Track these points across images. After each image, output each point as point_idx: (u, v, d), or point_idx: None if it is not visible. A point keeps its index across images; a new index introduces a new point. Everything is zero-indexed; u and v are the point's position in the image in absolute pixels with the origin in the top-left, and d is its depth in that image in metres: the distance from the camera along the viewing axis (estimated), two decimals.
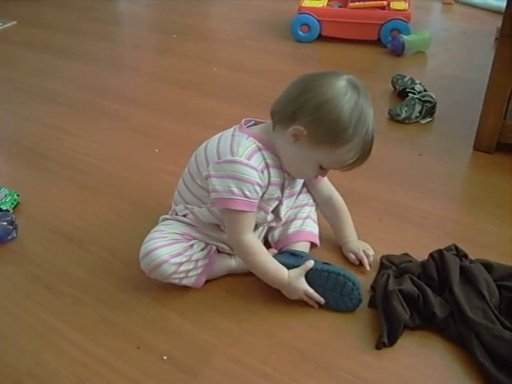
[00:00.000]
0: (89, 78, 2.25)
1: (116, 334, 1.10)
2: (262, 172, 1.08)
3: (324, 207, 1.31)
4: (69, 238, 1.36)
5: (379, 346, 1.05)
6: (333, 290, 1.12)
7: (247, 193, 1.05)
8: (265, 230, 1.26)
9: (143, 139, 1.79)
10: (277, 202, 1.17)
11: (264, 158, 1.09)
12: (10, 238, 1.34)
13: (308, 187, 1.30)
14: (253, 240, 1.11)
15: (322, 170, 1.11)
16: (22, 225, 1.38)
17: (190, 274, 1.14)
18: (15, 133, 1.86)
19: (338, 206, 1.29)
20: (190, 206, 1.17)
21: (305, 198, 1.29)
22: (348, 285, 1.11)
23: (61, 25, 2.87)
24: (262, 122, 1.16)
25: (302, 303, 1.14)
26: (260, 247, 1.13)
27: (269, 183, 1.11)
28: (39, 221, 1.42)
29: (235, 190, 1.05)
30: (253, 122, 1.16)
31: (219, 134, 1.15)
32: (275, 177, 1.11)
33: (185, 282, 1.15)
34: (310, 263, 1.14)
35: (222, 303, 1.16)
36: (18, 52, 2.55)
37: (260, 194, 1.09)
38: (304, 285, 1.12)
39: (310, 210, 1.29)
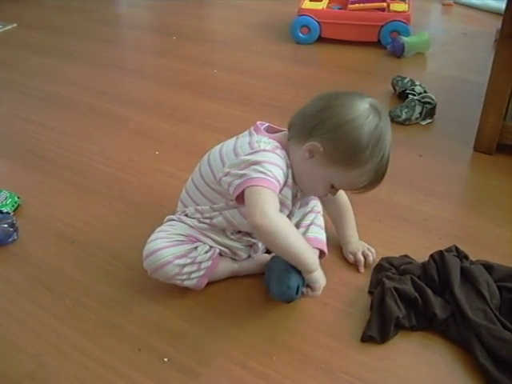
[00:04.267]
0: (89, 80, 2.26)
1: (117, 336, 1.10)
2: (285, 167, 1.06)
3: (328, 206, 1.29)
4: (69, 240, 1.36)
5: (364, 339, 1.06)
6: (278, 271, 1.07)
7: (274, 172, 1.01)
8: None
9: (144, 141, 1.79)
10: (287, 212, 1.15)
11: (285, 156, 1.08)
12: (10, 240, 1.34)
13: None
14: (278, 215, 1.01)
15: (333, 190, 1.11)
16: (22, 227, 1.38)
17: (193, 275, 1.14)
18: (16, 135, 1.86)
19: (342, 206, 1.28)
20: (199, 208, 1.15)
21: (310, 205, 1.27)
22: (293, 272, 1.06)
23: (61, 27, 2.88)
24: (276, 128, 1.15)
25: (304, 304, 1.14)
26: (285, 222, 1.03)
27: (286, 182, 1.08)
28: (40, 223, 1.42)
29: (260, 169, 1.00)
30: (267, 125, 1.15)
31: (235, 138, 1.14)
32: (291, 180, 1.10)
33: (186, 283, 1.15)
34: None
35: (222, 305, 1.16)
36: (19, 54, 2.55)
37: (281, 184, 1.04)
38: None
39: (314, 217, 1.25)
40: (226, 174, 1.06)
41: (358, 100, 1.04)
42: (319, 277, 1.08)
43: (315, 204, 1.28)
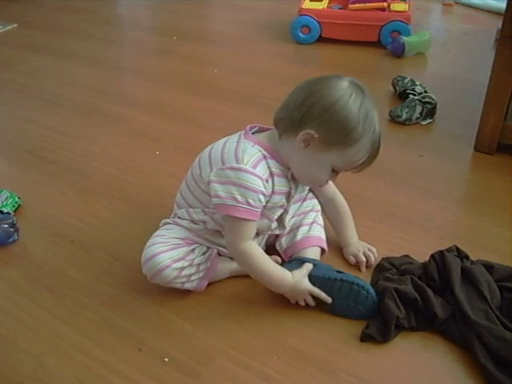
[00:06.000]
0: (90, 80, 2.26)
1: (117, 336, 1.10)
2: (267, 181, 1.07)
3: (326, 208, 1.30)
4: (70, 240, 1.36)
5: (364, 338, 1.06)
6: (347, 299, 1.10)
7: (250, 201, 1.05)
8: (265, 238, 1.25)
9: (144, 141, 1.79)
10: (281, 210, 1.17)
11: (269, 167, 1.08)
12: (11, 240, 1.34)
13: (311, 188, 1.29)
14: (252, 246, 1.10)
15: (334, 174, 1.11)
16: (23, 227, 1.38)
17: (192, 278, 1.14)
18: (16, 135, 1.86)
19: (340, 208, 1.29)
20: (191, 210, 1.17)
21: (309, 203, 1.28)
22: (362, 293, 1.09)
23: (61, 27, 2.88)
24: (267, 129, 1.15)
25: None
26: (260, 252, 1.11)
27: (272, 192, 1.10)
28: (40, 223, 1.42)
29: (238, 197, 1.04)
30: (257, 127, 1.15)
31: (224, 139, 1.14)
32: (280, 186, 1.11)
33: (187, 286, 1.15)
34: (310, 265, 1.14)
35: (223, 305, 1.16)
36: (19, 55, 2.55)
37: (263, 203, 1.08)
38: (309, 285, 1.12)
39: (315, 216, 1.27)
40: (211, 182, 1.07)
41: (338, 80, 1.05)
42: (296, 293, 1.12)
43: (315, 203, 1.29)
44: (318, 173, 1.10)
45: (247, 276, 1.19)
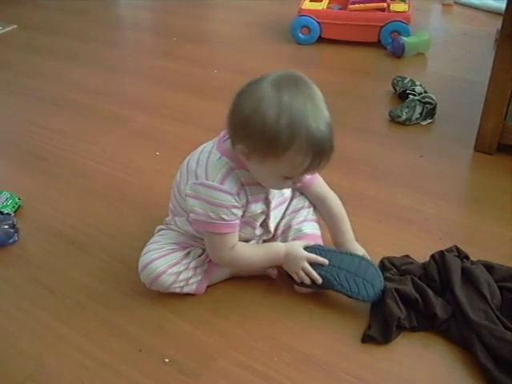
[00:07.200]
0: (90, 81, 2.26)
1: (118, 336, 1.10)
2: (238, 194, 1.05)
3: (319, 209, 1.26)
4: (70, 241, 1.36)
5: (365, 339, 1.06)
6: (356, 273, 1.10)
7: (224, 216, 1.04)
8: (259, 243, 1.22)
9: (144, 142, 1.79)
10: (263, 217, 1.15)
11: (239, 178, 1.05)
12: (11, 241, 1.34)
13: (301, 190, 1.25)
14: (233, 251, 1.09)
15: (288, 180, 1.03)
16: (23, 228, 1.38)
17: (191, 281, 1.15)
18: (17, 136, 1.86)
19: (332, 208, 1.23)
20: (177, 219, 1.17)
21: (299, 201, 1.26)
22: (371, 269, 1.10)
23: (61, 28, 2.88)
24: None
25: (305, 305, 1.14)
26: (244, 250, 1.11)
27: (247, 202, 1.08)
28: (40, 224, 1.42)
29: (211, 214, 1.04)
30: None
31: (201, 148, 1.12)
32: (254, 194, 1.08)
33: (186, 289, 1.15)
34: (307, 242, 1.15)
35: (223, 305, 1.16)
36: (19, 56, 2.55)
37: (239, 215, 1.07)
38: (304, 251, 1.11)
39: (307, 212, 1.25)
40: (187, 196, 1.07)
41: (259, 85, 0.97)
42: (291, 260, 1.12)
43: (306, 199, 1.27)
44: (271, 182, 1.06)
45: (248, 276, 1.19)
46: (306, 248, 1.14)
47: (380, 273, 1.11)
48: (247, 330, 1.10)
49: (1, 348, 1.09)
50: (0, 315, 1.16)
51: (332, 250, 1.15)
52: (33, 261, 1.30)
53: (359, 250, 1.19)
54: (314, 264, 1.11)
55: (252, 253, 1.13)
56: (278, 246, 1.14)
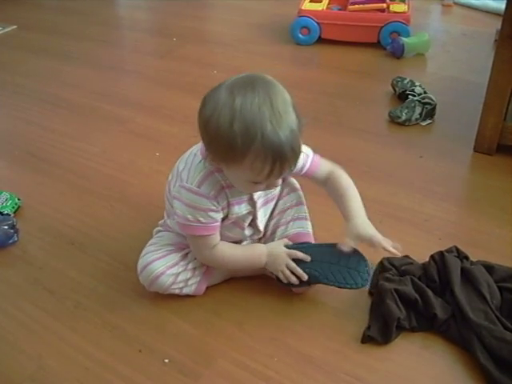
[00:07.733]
0: (89, 81, 2.26)
1: (118, 337, 1.10)
2: (216, 197, 1.04)
3: (327, 190, 1.19)
4: (70, 241, 1.36)
5: (365, 340, 1.06)
6: (338, 263, 1.10)
7: (201, 219, 1.04)
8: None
9: (144, 143, 1.79)
10: (251, 217, 1.15)
11: (218, 181, 1.03)
12: (11, 241, 1.34)
13: (307, 178, 1.19)
14: (215, 250, 1.10)
15: (260, 184, 0.99)
16: (23, 229, 1.38)
17: (190, 282, 1.15)
18: (16, 137, 1.86)
19: (336, 185, 1.16)
20: (168, 220, 1.18)
21: (286, 201, 1.24)
22: (353, 257, 1.09)
23: (61, 29, 2.88)
24: None
25: (304, 305, 1.14)
26: (226, 250, 1.12)
27: (228, 204, 1.07)
28: (40, 225, 1.42)
29: (189, 217, 1.04)
30: None
31: (191, 150, 1.12)
32: (236, 195, 1.07)
33: (185, 291, 1.16)
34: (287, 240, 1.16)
35: (223, 306, 1.16)
36: (19, 56, 2.55)
37: (218, 218, 1.06)
38: (286, 249, 1.12)
39: (294, 211, 1.23)
40: (174, 198, 1.07)
41: (217, 90, 0.95)
42: (274, 259, 1.12)
43: (293, 198, 1.24)
44: (242, 186, 1.03)
45: (247, 277, 1.19)
46: (287, 246, 1.15)
47: (363, 256, 1.10)
48: (247, 331, 1.10)
49: (1, 348, 1.09)
50: (0, 315, 1.16)
51: (312, 245, 1.16)
52: (33, 261, 1.30)
53: (368, 229, 1.10)
54: (297, 262, 1.12)
55: (233, 252, 1.13)
56: (259, 246, 1.16)
